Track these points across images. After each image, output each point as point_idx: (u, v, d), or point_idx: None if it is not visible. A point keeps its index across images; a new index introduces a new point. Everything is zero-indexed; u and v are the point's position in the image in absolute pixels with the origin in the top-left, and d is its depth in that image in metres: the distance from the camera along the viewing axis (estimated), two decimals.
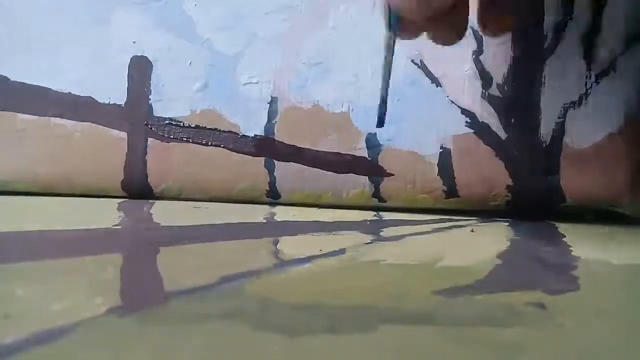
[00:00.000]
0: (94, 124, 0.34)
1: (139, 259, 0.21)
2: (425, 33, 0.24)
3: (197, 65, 0.34)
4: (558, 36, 0.30)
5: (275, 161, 0.33)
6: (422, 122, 0.31)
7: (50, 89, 0.34)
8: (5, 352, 0.12)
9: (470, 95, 0.31)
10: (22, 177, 0.35)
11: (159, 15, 0.34)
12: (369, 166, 0.32)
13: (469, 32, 0.31)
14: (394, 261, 0.21)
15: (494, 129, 0.31)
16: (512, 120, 0.30)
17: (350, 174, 0.32)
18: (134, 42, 0.34)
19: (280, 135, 0.33)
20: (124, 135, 0.34)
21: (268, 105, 0.33)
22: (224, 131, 0.33)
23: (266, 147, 0.33)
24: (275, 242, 0.24)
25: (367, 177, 0.32)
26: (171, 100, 0.34)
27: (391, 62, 0.24)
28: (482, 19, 0.25)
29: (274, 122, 0.33)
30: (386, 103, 0.24)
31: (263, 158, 0.33)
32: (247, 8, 0.33)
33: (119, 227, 0.26)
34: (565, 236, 0.26)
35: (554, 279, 0.19)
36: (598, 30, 0.29)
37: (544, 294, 0.17)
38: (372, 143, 0.32)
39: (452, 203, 0.31)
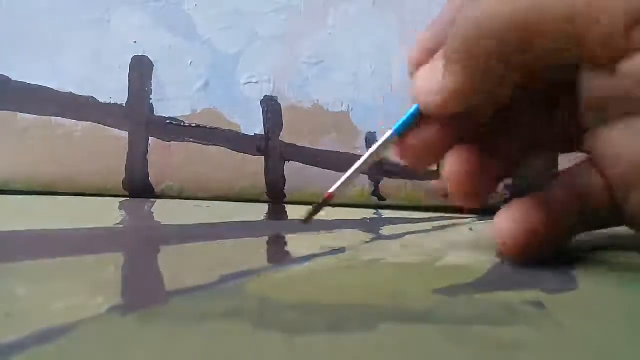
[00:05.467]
0: (95, 124, 0.34)
1: (140, 258, 0.21)
2: None
3: (198, 65, 0.34)
4: None
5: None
6: None
7: (51, 88, 0.34)
8: (6, 351, 0.12)
9: None
10: (23, 176, 0.35)
11: (159, 15, 0.34)
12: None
13: None
14: (393, 260, 0.21)
15: None
16: None
17: None
18: (135, 41, 0.34)
19: (280, 135, 0.33)
20: (125, 134, 0.34)
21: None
22: (224, 130, 0.33)
23: (266, 146, 0.33)
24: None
25: (366, 175, 0.32)
26: (172, 100, 0.34)
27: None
28: None
29: (276, 121, 0.33)
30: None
31: (263, 157, 0.33)
32: (247, 8, 0.33)
33: (120, 226, 0.26)
34: None
35: (553, 278, 0.19)
36: None
37: (543, 293, 0.17)
38: (371, 142, 0.32)
39: (451, 201, 0.31)
